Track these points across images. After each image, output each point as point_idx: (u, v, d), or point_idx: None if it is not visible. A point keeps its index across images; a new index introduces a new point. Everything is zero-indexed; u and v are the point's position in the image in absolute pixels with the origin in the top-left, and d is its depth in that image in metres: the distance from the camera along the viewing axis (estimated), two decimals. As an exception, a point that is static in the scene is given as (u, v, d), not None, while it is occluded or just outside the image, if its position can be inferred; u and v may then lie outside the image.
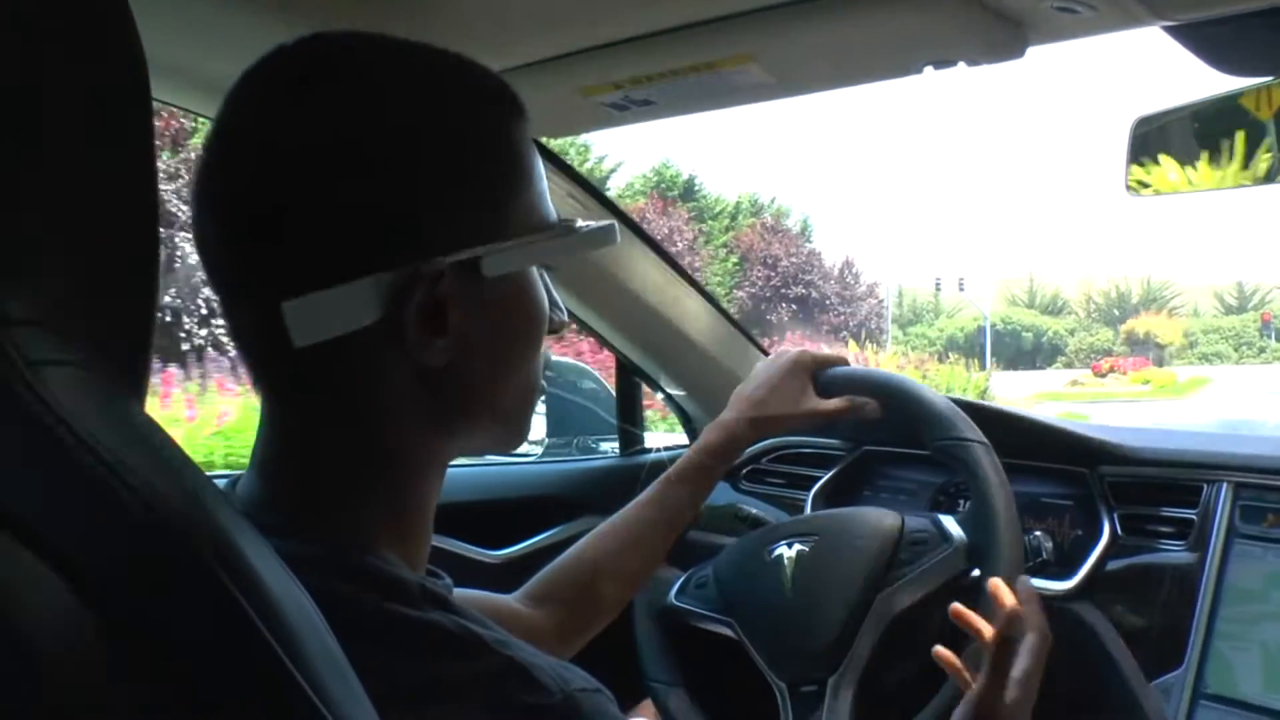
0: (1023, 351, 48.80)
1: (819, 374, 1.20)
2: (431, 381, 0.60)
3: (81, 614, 0.40)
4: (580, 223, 0.67)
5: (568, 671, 0.58)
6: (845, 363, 1.23)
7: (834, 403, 1.19)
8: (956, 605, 0.92)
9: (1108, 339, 50.47)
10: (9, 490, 0.42)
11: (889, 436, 1.44)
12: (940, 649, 0.93)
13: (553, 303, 0.68)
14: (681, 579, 1.31)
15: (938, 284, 48.25)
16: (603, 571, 1.07)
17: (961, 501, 1.36)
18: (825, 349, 1.27)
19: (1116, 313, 53.83)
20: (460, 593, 0.92)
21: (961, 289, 45.97)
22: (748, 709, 1.21)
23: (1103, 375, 35.18)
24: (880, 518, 1.18)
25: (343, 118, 0.57)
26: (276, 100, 0.59)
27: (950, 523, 1.14)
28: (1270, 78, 0.88)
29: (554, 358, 2.14)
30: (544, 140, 1.38)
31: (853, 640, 1.11)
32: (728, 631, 1.22)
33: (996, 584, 0.92)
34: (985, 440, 1.11)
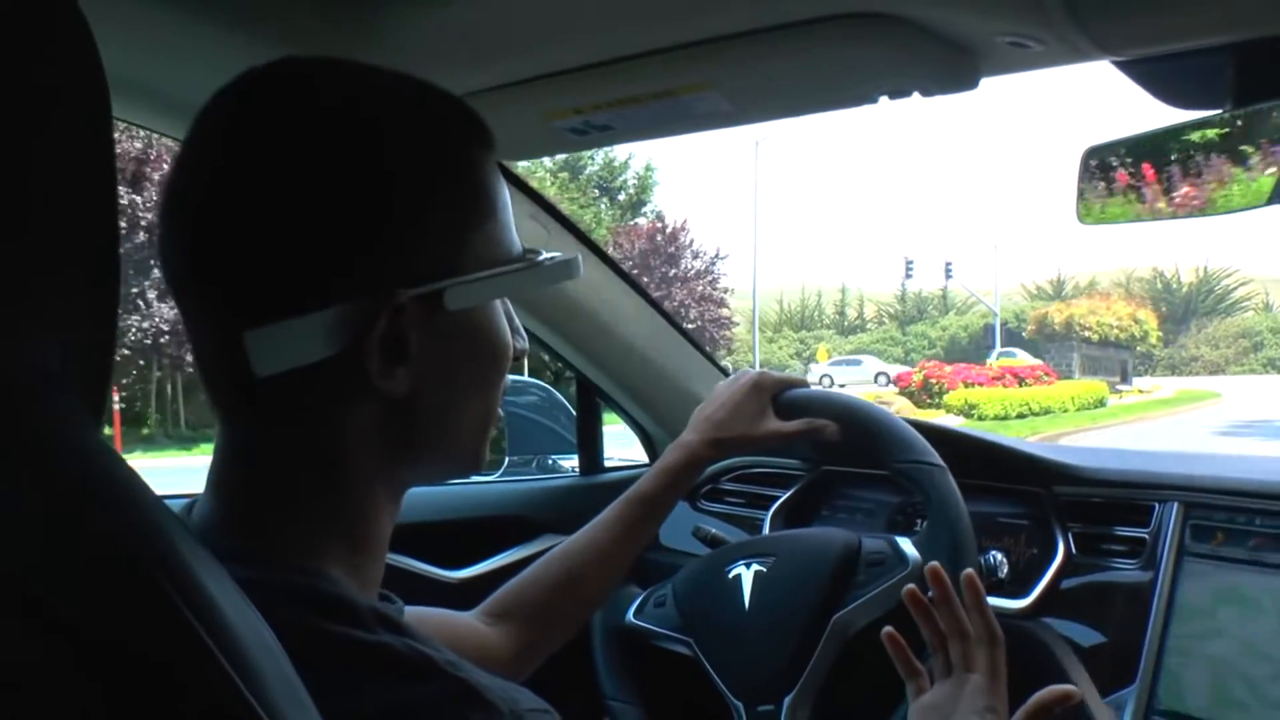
0: (1039, 353, 43.10)
1: (779, 395, 1.22)
2: (391, 410, 0.60)
3: (42, 645, 0.40)
4: (544, 254, 0.67)
5: (518, 693, 0.58)
6: (805, 384, 1.24)
7: (794, 424, 1.20)
8: (889, 630, 0.94)
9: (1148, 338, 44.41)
10: None
11: (847, 457, 1.46)
12: (889, 628, 0.94)
13: (514, 330, 0.68)
14: (640, 597, 1.31)
15: (948, 269, 41.61)
16: (563, 590, 1.08)
17: (919, 521, 1.37)
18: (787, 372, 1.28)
19: (1164, 308, 46.37)
20: (416, 610, 0.92)
21: (949, 275, 41.02)
22: None
23: (914, 391, 26.04)
24: (837, 538, 1.19)
25: (305, 146, 0.57)
26: (238, 126, 0.59)
27: (906, 544, 1.15)
28: (1215, 110, 0.91)
29: (514, 376, 2.14)
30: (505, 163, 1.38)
31: (809, 660, 1.13)
32: (686, 650, 1.23)
33: (937, 572, 0.92)
34: (942, 463, 1.13)
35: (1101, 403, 25.96)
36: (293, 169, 0.57)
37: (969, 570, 0.95)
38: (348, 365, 0.58)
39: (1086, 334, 36.64)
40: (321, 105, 0.59)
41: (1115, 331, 37.01)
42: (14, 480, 0.42)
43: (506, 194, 0.65)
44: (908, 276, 42.29)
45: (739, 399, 1.20)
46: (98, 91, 0.47)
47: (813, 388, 1.25)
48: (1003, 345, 39.80)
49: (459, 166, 0.62)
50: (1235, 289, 47.43)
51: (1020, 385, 26.19)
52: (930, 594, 0.93)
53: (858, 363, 38.64)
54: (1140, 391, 32.18)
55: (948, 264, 40.99)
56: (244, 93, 0.60)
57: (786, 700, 1.13)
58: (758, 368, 1.30)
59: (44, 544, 0.42)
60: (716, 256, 31.17)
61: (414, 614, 0.93)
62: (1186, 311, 47.03)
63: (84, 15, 0.46)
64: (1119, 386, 31.84)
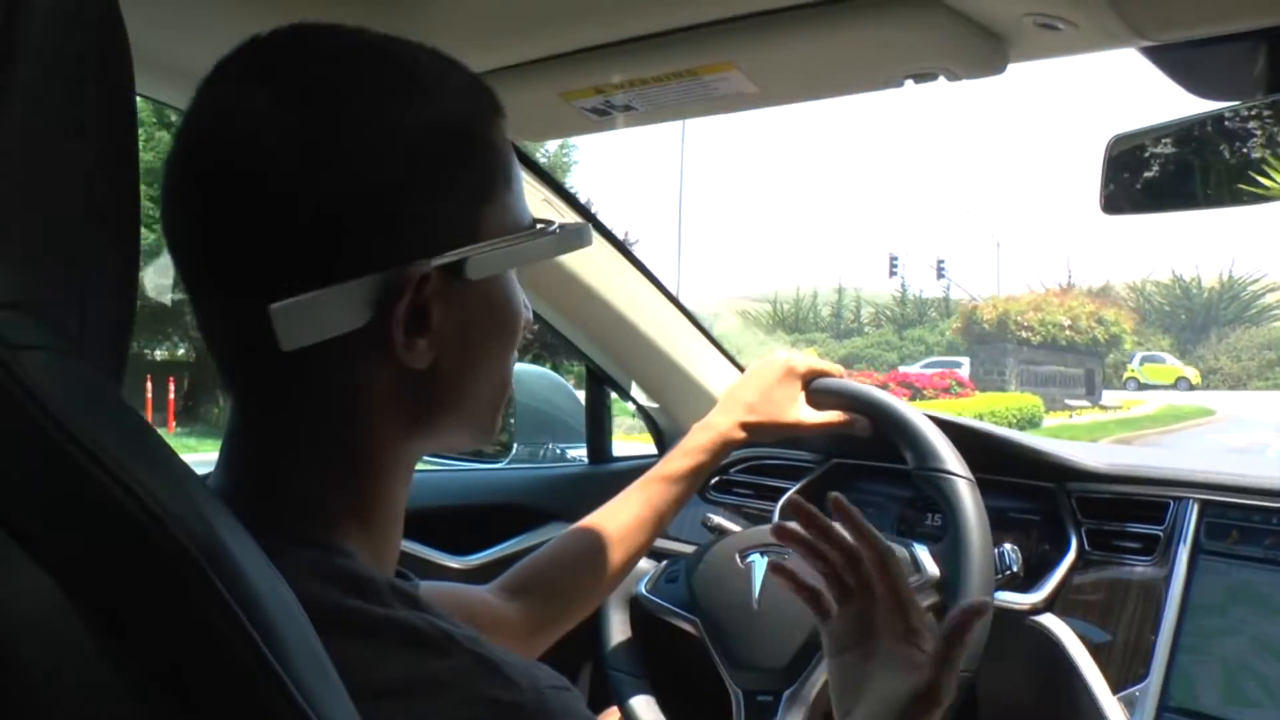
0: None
1: (810, 382, 1.20)
2: (411, 381, 0.60)
3: (61, 605, 0.39)
4: (557, 223, 0.67)
5: (537, 669, 0.57)
6: (839, 373, 1.23)
7: (825, 415, 1.19)
8: (836, 495, 0.95)
9: (1163, 348, 40.20)
10: None
11: (860, 450, 1.45)
12: (837, 494, 0.96)
13: (524, 301, 0.68)
14: (653, 571, 1.31)
15: (940, 268, 38.54)
16: (580, 567, 1.06)
17: (929, 516, 1.37)
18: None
19: (1183, 315, 43.48)
20: (431, 585, 0.91)
21: (941, 274, 38.43)
22: (703, 708, 1.22)
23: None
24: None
25: (322, 112, 0.56)
26: (251, 93, 0.57)
27: (924, 553, 1.14)
28: (1240, 101, 0.90)
29: (524, 366, 2.14)
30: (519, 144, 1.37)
31: (812, 658, 1.13)
32: (691, 629, 1.23)
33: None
34: (970, 476, 1.13)
35: (1033, 422, 19.91)
36: (309, 136, 0.55)
37: (834, 494, 0.96)
38: (371, 338, 0.57)
39: (1025, 334, 29.75)
40: (336, 71, 0.58)
41: (1067, 333, 30.21)
42: (32, 440, 0.41)
43: (518, 168, 0.65)
44: (892, 274, 40.17)
45: (771, 382, 1.18)
46: (122, 59, 0.47)
47: (844, 379, 1.23)
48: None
49: (476, 137, 0.61)
50: (1263, 295, 43.29)
51: (914, 398, 19.89)
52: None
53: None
54: (1104, 409, 26.23)
55: (939, 261, 38.39)
56: (251, 58, 0.58)
57: (785, 694, 1.13)
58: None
59: (64, 503, 0.41)
60: (625, 240, 30.35)
61: (430, 588, 0.93)
62: (1207, 320, 43.21)
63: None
64: (1071, 402, 26.69)
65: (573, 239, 0.69)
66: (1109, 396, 29.56)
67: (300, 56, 0.59)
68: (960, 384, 24.04)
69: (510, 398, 0.70)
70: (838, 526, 0.96)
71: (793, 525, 0.98)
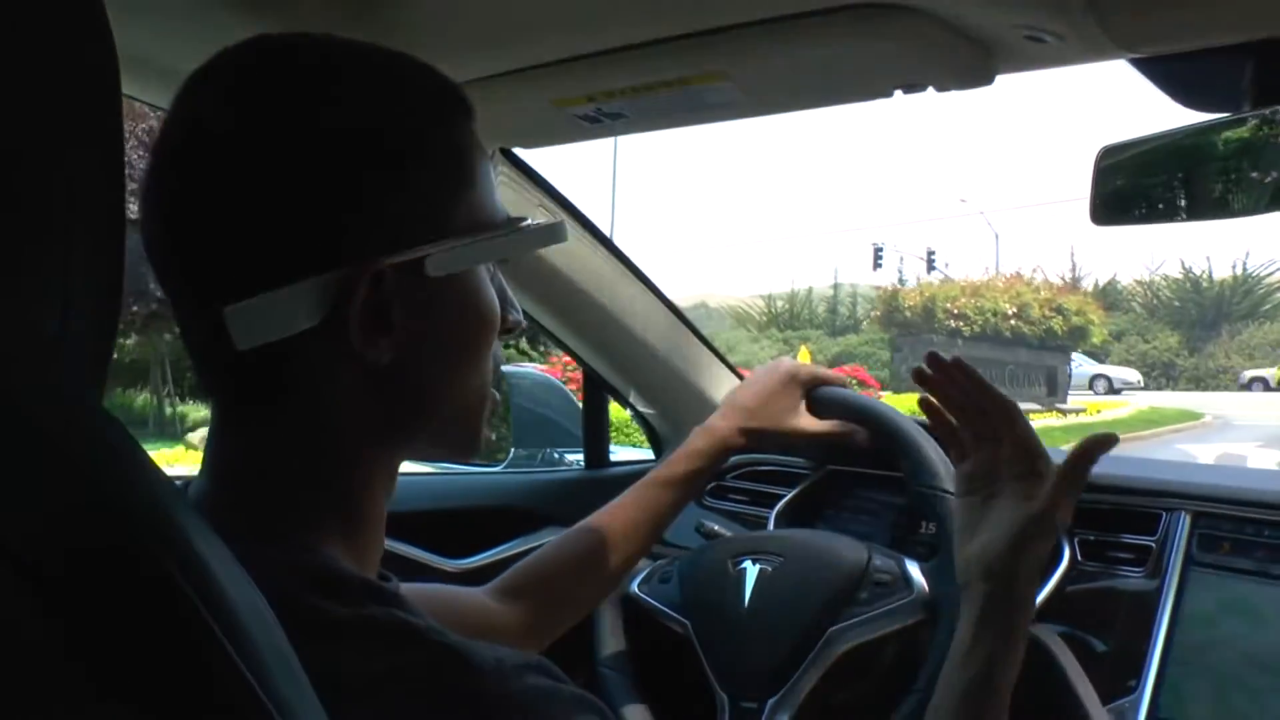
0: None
1: (813, 391, 1.20)
2: (378, 382, 0.60)
3: (31, 607, 0.40)
4: (529, 221, 0.67)
5: (502, 651, 0.57)
6: (842, 383, 1.24)
7: (826, 425, 1.19)
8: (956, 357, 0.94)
9: (1171, 346, 38.39)
10: None
11: (856, 458, 1.45)
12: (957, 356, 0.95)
13: (507, 302, 0.68)
14: (646, 570, 1.32)
15: (930, 260, 34.60)
16: (577, 570, 1.07)
17: (924, 525, 1.37)
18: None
19: (1196, 313, 40.13)
20: (422, 586, 0.91)
21: (932, 266, 35.27)
22: (691, 708, 1.22)
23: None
24: (847, 550, 1.19)
25: (277, 116, 0.57)
26: (213, 99, 0.58)
27: (915, 570, 1.14)
28: (1230, 114, 0.90)
29: (522, 369, 2.14)
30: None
31: (798, 667, 1.13)
32: (681, 631, 1.24)
33: (933, 360, 0.93)
34: None
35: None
36: (260, 141, 0.56)
37: (957, 356, 0.95)
38: (331, 337, 0.57)
39: (956, 324, 25.63)
40: (290, 76, 0.59)
41: (1012, 323, 25.85)
42: (7, 444, 0.41)
43: (487, 166, 0.65)
44: (877, 266, 37.50)
45: (773, 388, 1.18)
46: (107, 59, 0.47)
47: (846, 389, 1.24)
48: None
49: (435, 135, 0.61)
50: (1279, 290, 40.05)
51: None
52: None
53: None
54: (1061, 413, 22.14)
55: (930, 253, 35.17)
56: (217, 67, 0.60)
57: (770, 702, 1.14)
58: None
59: (40, 508, 0.41)
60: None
61: (418, 589, 0.93)
62: (1218, 315, 40.02)
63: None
64: (1023, 405, 21.08)
65: (543, 235, 0.69)
66: (1077, 398, 26.35)
67: (262, 63, 0.59)
68: (864, 382, 19.86)
69: (496, 409, 0.69)
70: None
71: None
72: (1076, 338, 27.70)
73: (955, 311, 26.12)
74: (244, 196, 0.56)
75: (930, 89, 0.95)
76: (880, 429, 1.19)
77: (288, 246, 0.57)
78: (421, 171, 0.60)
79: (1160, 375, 36.86)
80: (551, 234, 0.70)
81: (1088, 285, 42.26)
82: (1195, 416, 21.68)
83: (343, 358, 0.58)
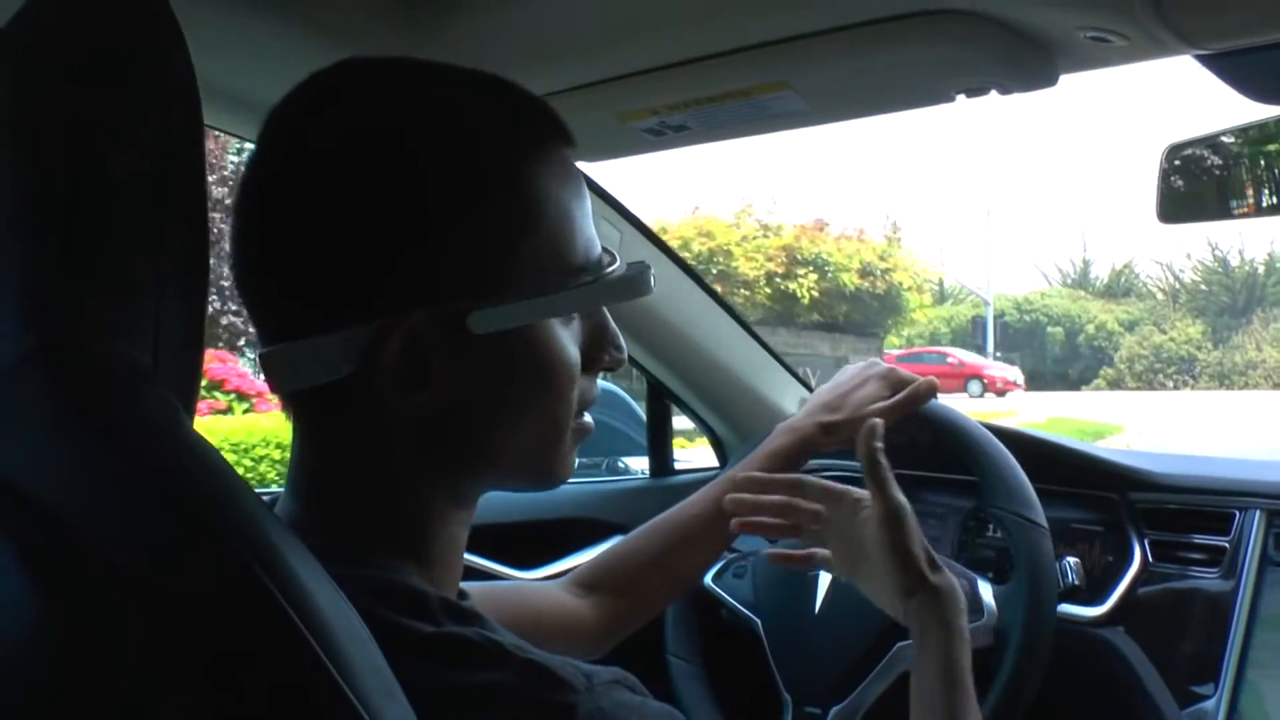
0: (1045, 357, 33.26)
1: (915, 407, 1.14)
2: (426, 430, 0.59)
3: (134, 623, 0.42)
4: (611, 267, 0.63)
5: (589, 668, 0.58)
6: (934, 391, 1.16)
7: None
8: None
9: (1191, 338, 32.99)
10: (76, 503, 0.44)
11: (924, 462, 1.44)
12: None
13: (606, 340, 0.66)
14: (721, 563, 1.31)
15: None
16: (656, 566, 1.06)
17: (988, 529, 1.35)
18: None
19: (1225, 298, 34.93)
20: (497, 585, 0.92)
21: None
22: (754, 707, 1.23)
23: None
24: None
25: (332, 153, 0.57)
26: (282, 133, 0.59)
27: (988, 592, 1.11)
28: (1302, 107, 0.89)
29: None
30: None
31: (863, 679, 1.12)
32: (751, 628, 1.24)
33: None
34: (1044, 524, 1.10)
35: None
36: (316, 178, 0.57)
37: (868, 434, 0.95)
38: (371, 384, 0.57)
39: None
40: (340, 122, 0.57)
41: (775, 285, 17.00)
42: (107, 470, 0.44)
43: (570, 202, 0.61)
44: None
45: (858, 382, 1.14)
46: (188, 89, 0.49)
47: (938, 401, 1.18)
48: (996, 343, 29.52)
49: (493, 180, 0.58)
50: None
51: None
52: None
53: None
54: None
55: (892, 223, 24.58)
56: (294, 98, 0.59)
57: (833, 710, 1.13)
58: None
59: (143, 527, 0.43)
60: None
61: (493, 589, 0.94)
62: (1250, 299, 34.55)
63: (175, 15, 0.49)
64: None
65: (618, 290, 0.63)
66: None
67: (311, 107, 0.59)
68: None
69: (585, 437, 0.66)
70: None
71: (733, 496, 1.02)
72: (889, 309, 19.28)
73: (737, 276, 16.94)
74: (281, 248, 0.57)
75: (993, 92, 0.95)
76: (963, 444, 1.16)
77: (320, 296, 0.57)
78: (473, 220, 0.57)
79: (1179, 371, 32.08)
80: (632, 287, 0.64)
81: (1094, 272, 37.20)
82: (1115, 430, 15.29)
83: (386, 403, 0.58)
